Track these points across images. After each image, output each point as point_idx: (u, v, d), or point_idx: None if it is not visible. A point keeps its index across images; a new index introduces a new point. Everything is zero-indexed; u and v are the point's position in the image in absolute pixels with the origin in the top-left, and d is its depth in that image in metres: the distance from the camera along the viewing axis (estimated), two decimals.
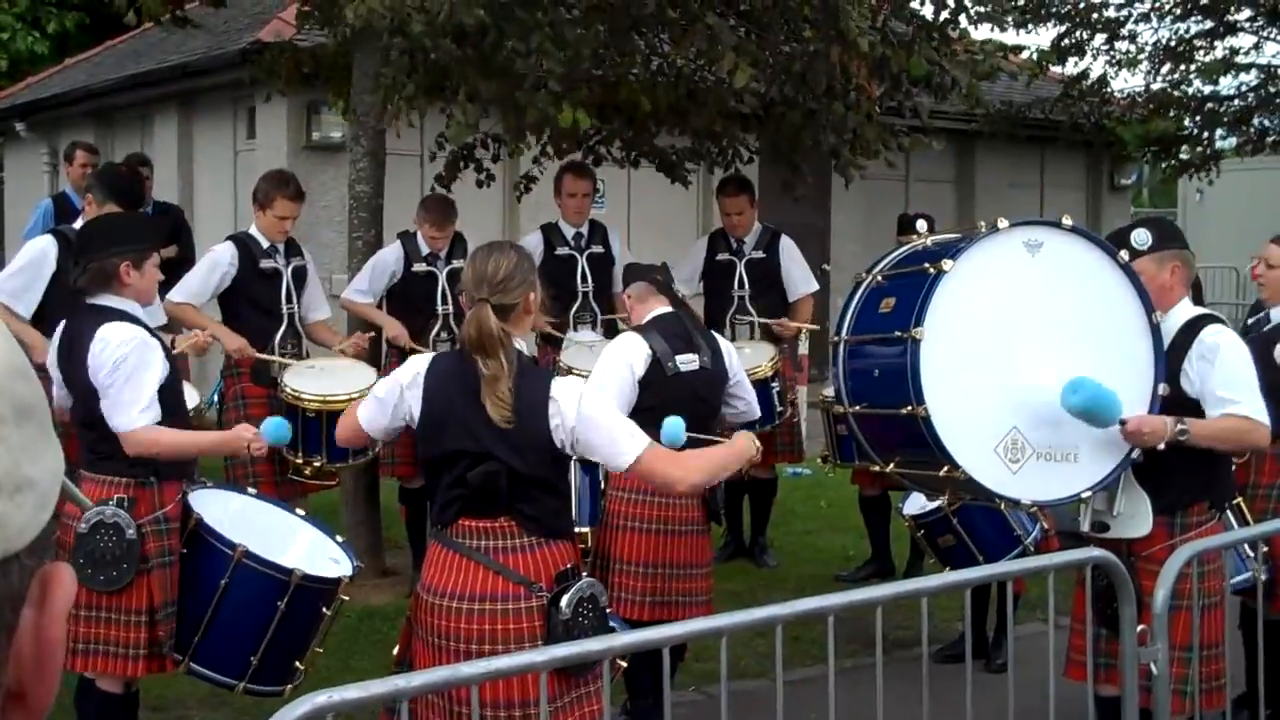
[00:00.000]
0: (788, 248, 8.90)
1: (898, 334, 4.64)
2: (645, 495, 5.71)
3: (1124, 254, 4.84)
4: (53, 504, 0.90)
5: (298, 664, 5.08)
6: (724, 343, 6.07)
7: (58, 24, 20.97)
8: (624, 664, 4.44)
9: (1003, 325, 4.72)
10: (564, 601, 4.03)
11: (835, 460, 7.91)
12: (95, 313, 4.97)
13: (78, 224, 6.91)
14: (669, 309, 5.91)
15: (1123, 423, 4.67)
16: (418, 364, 4.27)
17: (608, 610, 4.26)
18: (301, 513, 5.51)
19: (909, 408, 4.58)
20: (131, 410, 4.88)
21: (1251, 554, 5.18)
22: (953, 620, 7.17)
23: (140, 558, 4.89)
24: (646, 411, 5.62)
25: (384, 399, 4.28)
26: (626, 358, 5.70)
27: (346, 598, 5.22)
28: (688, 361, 5.74)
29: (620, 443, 4.11)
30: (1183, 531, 4.86)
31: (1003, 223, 4.76)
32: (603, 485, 5.88)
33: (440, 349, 7.82)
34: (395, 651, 4.44)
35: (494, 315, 4.07)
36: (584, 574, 4.18)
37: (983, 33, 11.73)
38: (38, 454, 0.88)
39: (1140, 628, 4.38)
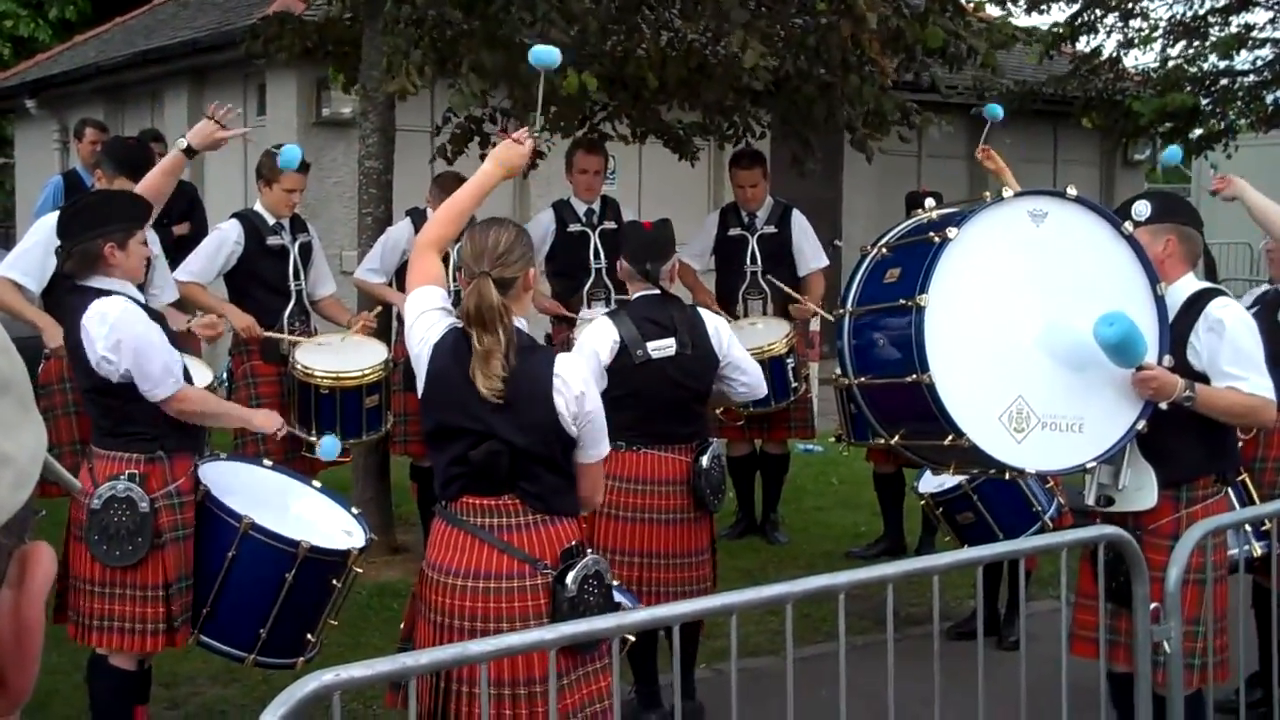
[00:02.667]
0: (799, 222, 8.85)
1: (902, 302, 4.62)
2: (629, 483, 5.61)
3: (1128, 225, 4.81)
4: (31, 483, 0.87)
5: (309, 636, 5.08)
6: (714, 325, 5.79)
7: (59, 10, 20.90)
8: (631, 638, 4.41)
9: (1007, 294, 4.70)
10: (569, 578, 4.01)
11: (849, 439, 7.88)
12: (84, 294, 4.95)
13: None
14: (655, 291, 5.73)
15: (1139, 368, 4.65)
16: (443, 324, 4.21)
17: (614, 584, 4.24)
18: (317, 484, 5.51)
19: (913, 375, 4.55)
20: (162, 380, 4.90)
21: (1250, 529, 5.16)
22: (965, 597, 7.15)
23: (154, 532, 4.89)
24: (618, 399, 5.48)
25: (439, 304, 4.26)
26: (593, 344, 5.57)
27: (360, 570, 5.21)
28: (661, 347, 5.57)
29: (602, 438, 4.18)
30: (1189, 505, 4.84)
31: (1007, 192, 4.74)
32: None
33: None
34: (402, 628, 4.43)
35: (495, 288, 4.05)
36: (589, 551, 4.17)
37: (993, 11, 11.67)
38: (14, 430, 0.86)
39: (1153, 605, 4.36)
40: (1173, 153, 7.27)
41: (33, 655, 0.88)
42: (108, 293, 4.94)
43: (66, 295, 5.05)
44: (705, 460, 5.65)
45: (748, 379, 5.85)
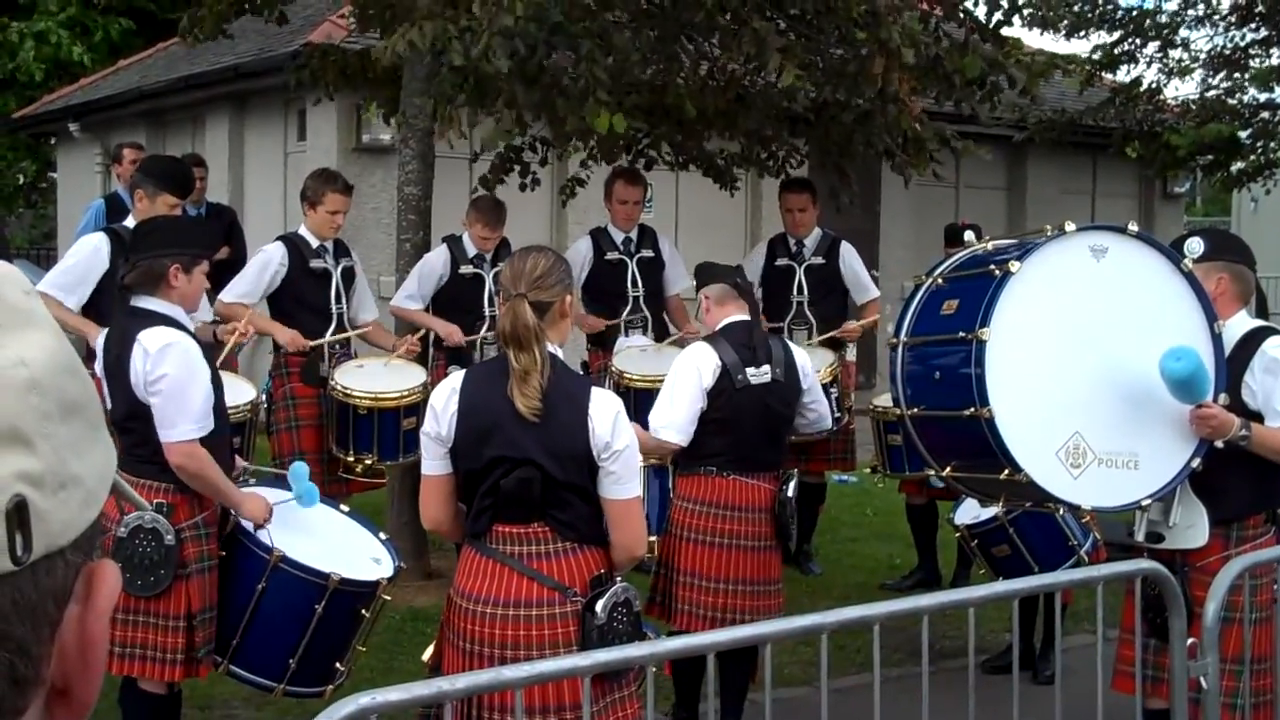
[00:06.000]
0: (848, 254, 8.85)
1: (961, 335, 4.61)
2: (716, 508, 5.67)
3: (1187, 262, 4.80)
4: (100, 502, 0.89)
5: (338, 665, 5.09)
6: (798, 353, 5.99)
7: (104, 32, 20.98)
8: (654, 668, 4.41)
9: (1067, 329, 4.69)
10: (599, 606, 4.02)
11: (885, 470, 7.87)
12: (137, 316, 4.94)
13: (128, 222, 6.95)
14: (743, 317, 5.85)
15: (1199, 405, 4.64)
16: (451, 382, 4.24)
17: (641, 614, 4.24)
18: (346, 509, 5.52)
19: (971, 409, 4.53)
20: (179, 424, 4.83)
21: None
22: (1000, 631, 7.11)
23: (179, 563, 4.88)
24: (716, 423, 5.62)
25: (435, 434, 4.19)
26: (696, 365, 5.67)
27: (389, 598, 5.21)
28: (759, 374, 5.69)
29: (635, 475, 4.14)
30: (1239, 544, 4.81)
31: (1069, 226, 4.72)
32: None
33: (488, 350, 7.86)
34: (428, 655, 4.41)
35: (530, 310, 4.08)
36: (618, 579, 4.16)
37: (1033, 39, 11.66)
38: (84, 451, 0.88)
39: (1190, 641, 4.33)
40: None
41: (97, 669, 0.91)
42: (158, 318, 4.91)
43: (121, 315, 5.04)
44: (790, 489, 5.73)
45: (819, 411, 6.02)
